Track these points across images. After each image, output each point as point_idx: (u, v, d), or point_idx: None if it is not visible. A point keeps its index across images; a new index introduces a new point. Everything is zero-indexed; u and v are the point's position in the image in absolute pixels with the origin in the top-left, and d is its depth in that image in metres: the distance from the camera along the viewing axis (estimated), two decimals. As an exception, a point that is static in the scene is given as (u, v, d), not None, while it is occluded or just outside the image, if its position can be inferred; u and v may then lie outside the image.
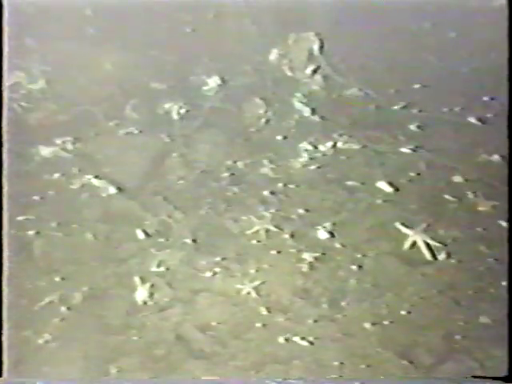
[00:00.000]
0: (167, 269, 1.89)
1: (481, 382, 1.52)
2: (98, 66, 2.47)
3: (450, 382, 1.52)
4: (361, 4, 2.27)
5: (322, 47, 2.26)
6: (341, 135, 2.31)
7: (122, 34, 2.51)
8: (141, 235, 2.00)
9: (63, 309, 1.72)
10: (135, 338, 1.69)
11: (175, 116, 2.40)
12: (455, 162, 2.12)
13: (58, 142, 2.27)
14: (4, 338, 1.57)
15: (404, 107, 2.28)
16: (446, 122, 2.24)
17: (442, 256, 1.86)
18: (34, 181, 2.15)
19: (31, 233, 1.97)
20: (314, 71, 2.31)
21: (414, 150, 2.21)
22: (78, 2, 2.28)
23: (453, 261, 1.83)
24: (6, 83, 2.19)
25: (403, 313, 1.70)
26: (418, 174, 2.13)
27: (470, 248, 1.84)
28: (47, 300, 1.73)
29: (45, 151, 2.21)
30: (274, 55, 2.32)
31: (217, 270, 1.88)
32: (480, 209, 1.95)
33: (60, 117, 2.28)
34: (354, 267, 1.86)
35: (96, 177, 2.19)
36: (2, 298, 1.70)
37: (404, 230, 1.95)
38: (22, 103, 2.22)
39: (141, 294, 1.81)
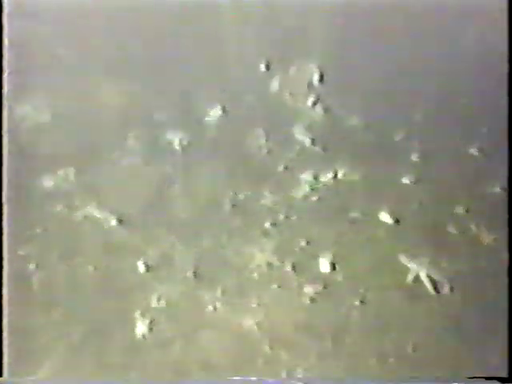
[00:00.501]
0: (168, 303, 1.88)
1: (481, 382, 1.50)
2: (102, 97, 2.50)
3: (451, 383, 1.50)
4: (361, 37, 2.29)
5: (322, 79, 2.28)
6: (342, 166, 2.31)
7: (125, 63, 2.53)
8: (142, 268, 1.99)
9: (62, 346, 1.71)
10: (134, 374, 1.68)
11: (177, 147, 2.41)
12: (457, 193, 2.12)
13: (61, 172, 2.28)
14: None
15: (404, 138, 2.28)
16: (446, 153, 2.24)
17: (445, 290, 1.84)
18: (35, 213, 2.15)
19: (32, 266, 1.97)
20: (315, 102, 2.32)
21: (416, 181, 2.21)
22: (79, 32, 2.31)
23: (456, 295, 1.82)
24: (12, 117, 2.22)
25: (408, 349, 1.68)
26: (420, 206, 2.13)
27: (473, 282, 1.82)
28: (46, 338, 1.72)
29: (47, 182, 2.22)
30: (274, 86, 2.33)
31: (218, 304, 1.87)
32: (483, 242, 1.94)
33: (63, 148, 2.29)
34: (357, 301, 1.84)
35: (98, 208, 2.19)
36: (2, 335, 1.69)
37: (407, 262, 1.94)
38: (27, 136, 2.24)
39: (141, 328, 1.80)
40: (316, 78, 2.29)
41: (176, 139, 2.41)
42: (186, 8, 2.34)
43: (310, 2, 2.30)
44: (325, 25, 2.29)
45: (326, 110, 2.34)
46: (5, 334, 1.71)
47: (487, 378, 1.52)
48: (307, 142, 2.36)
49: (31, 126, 2.25)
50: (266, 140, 2.38)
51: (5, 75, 2.13)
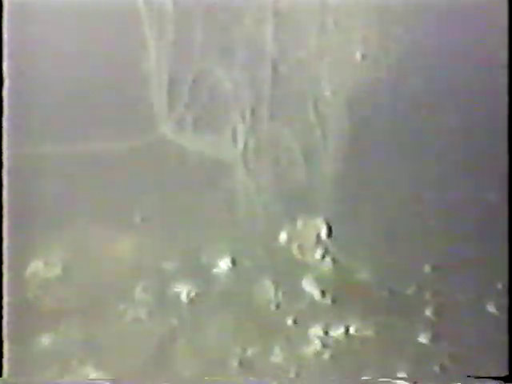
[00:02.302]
0: None
1: (481, 382, 1.19)
2: (115, 248, 2.53)
3: (451, 382, 1.24)
4: (369, 191, 2.36)
5: (330, 232, 2.30)
6: (353, 320, 2.23)
7: (137, 213, 2.59)
8: None
9: None
10: None
11: (184, 299, 2.38)
12: (479, 354, 1.99)
13: (62, 329, 2.23)
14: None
15: (416, 291, 2.23)
16: (462, 309, 2.16)
17: None
18: (28, 375, 2.06)
19: None
20: (323, 255, 2.32)
21: (433, 340, 2.10)
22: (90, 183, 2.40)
23: None
24: (22, 273, 2.25)
25: None
26: (441, 367, 2.00)
27: None
28: None
29: (46, 340, 2.16)
30: (283, 238, 2.36)
31: None
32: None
33: (69, 303, 2.27)
34: None
35: (94, 368, 2.10)
36: None
37: None
38: (37, 292, 2.25)
39: None
40: (324, 231, 2.32)
41: (184, 291, 2.39)
42: (195, 161, 2.45)
43: (315, 148, 2.41)
44: (333, 178, 2.37)
45: (335, 262, 2.33)
46: None
47: (488, 378, 1.32)
48: (317, 294, 2.32)
49: (41, 281, 2.26)
50: (275, 293, 2.34)
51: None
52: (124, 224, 2.60)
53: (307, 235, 2.36)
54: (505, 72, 2.17)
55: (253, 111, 2.30)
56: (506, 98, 2.19)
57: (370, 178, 2.37)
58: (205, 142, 2.33)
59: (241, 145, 2.33)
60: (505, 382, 1.49)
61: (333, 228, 2.34)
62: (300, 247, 2.37)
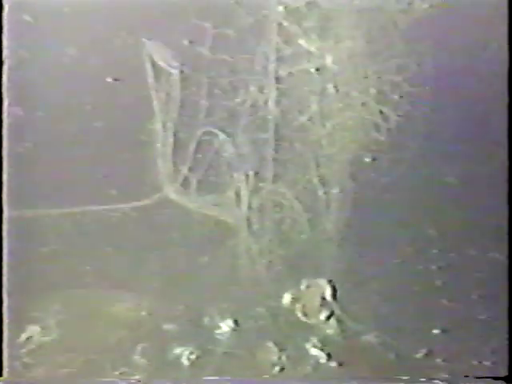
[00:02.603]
0: None
1: (481, 382, 1.25)
2: (113, 309, 2.48)
3: (451, 382, 1.24)
4: (373, 251, 2.34)
5: (334, 293, 2.27)
6: (361, 384, 2.15)
7: (138, 275, 2.56)
8: None
9: None
10: None
11: (185, 362, 2.30)
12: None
13: (58, 396, 2.14)
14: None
15: (426, 355, 2.16)
16: (477, 374, 2.08)
17: None
18: None
19: None
20: (328, 317, 2.27)
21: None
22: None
23: None
24: (16, 339, 2.19)
25: None
26: None
27: None
28: None
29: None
30: (286, 300, 2.32)
31: None
32: None
33: (65, 370, 2.20)
34: None
35: None
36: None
37: None
38: (28, 359, 2.18)
39: None
40: (329, 292, 2.29)
41: (184, 353, 2.32)
42: (198, 223, 2.45)
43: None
44: (336, 239, 2.37)
45: (341, 324, 2.28)
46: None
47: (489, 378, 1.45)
48: (322, 357, 2.25)
49: (35, 347, 2.19)
50: (279, 356, 2.27)
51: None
52: (124, 285, 2.56)
53: (311, 296, 2.33)
54: (505, 75, 2.17)
55: (256, 173, 2.34)
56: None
57: (373, 238, 2.37)
58: (208, 203, 2.35)
59: (244, 206, 2.35)
60: (506, 382, 1.45)
61: (337, 289, 2.31)
62: (304, 309, 2.33)
